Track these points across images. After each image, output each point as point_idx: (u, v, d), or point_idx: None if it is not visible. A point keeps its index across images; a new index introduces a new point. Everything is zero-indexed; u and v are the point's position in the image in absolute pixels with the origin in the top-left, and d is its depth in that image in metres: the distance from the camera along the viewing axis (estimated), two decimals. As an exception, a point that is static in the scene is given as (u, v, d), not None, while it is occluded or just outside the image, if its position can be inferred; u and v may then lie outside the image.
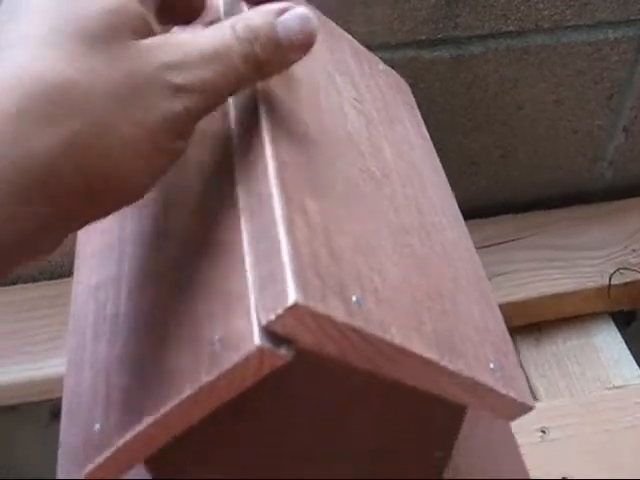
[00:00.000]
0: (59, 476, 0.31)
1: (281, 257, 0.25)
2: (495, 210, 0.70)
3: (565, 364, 0.66)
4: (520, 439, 0.53)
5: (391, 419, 0.33)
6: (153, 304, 0.31)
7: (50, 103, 0.23)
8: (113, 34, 0.25)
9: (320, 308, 0.24)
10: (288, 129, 0.31)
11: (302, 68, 0.36)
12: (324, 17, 0.46)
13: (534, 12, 0.59)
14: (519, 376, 0.34)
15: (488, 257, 0.66)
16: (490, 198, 0.70)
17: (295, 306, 0.23)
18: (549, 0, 0.59)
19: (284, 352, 0.24)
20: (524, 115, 0.66)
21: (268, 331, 0.24)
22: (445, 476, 0.50)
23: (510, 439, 0.53)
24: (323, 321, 0.24)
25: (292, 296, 0.23)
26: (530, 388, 0.64)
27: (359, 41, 0.48)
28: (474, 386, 0.30)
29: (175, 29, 0.34)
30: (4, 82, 0.23)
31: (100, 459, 0.29)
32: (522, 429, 0.56)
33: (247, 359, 0.24)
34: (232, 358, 0.25)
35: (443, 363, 0.28)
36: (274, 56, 0.28)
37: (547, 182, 0.73)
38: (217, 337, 0.26)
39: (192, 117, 0.27)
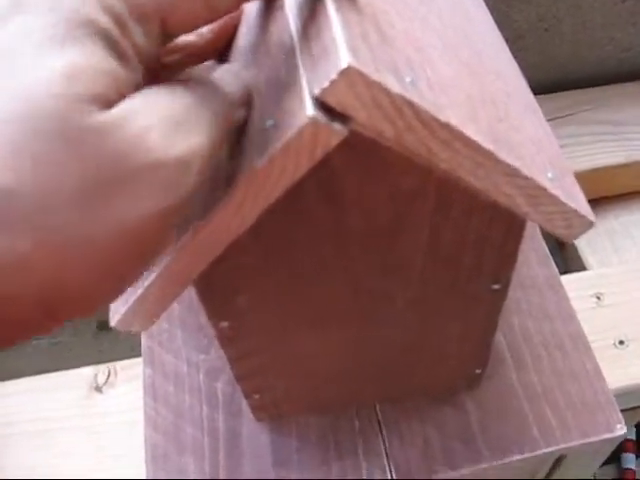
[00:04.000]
0: (111, 314, 0.31)
1: (332, 31, 0.24)
2: (543, 88, 0.68)
3: (617, 239, 0.64)
4: (575, 305, 0.52)
5: (446, 234, 0.32)
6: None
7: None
8: (65, 114, 0.18)
9: (374, 76, 0.23)
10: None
11: None
12: None
13: None
14: (578, 192, 0.33)
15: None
16: (537, 75, 0.68)
17: (348, 70, 0.22)
18: None
19: (338, 127, 0.24)
20: (570, -19, 0.63)
21: (321, 103, 0.23)
22: (500, 331, 0.50)
23: (565, 303, 0.52)
24: (377, 91, 0.23)
25: (345, 61, 0.22)
26: (582, 261, 0.63)
27: None
28: (533, 189, 0.29)
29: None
30: None
31: (151, 279, 0.29)
32: (577, 295, 0.56)
33: (300, 134, 0.23)
34: (284, 135, 0.24)
35: (501, 156, 0.27)
36: None
37: (595, 58, 0.71)
38: (270, 122, 0.25)
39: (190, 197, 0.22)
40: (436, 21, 0.33)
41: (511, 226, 0.33)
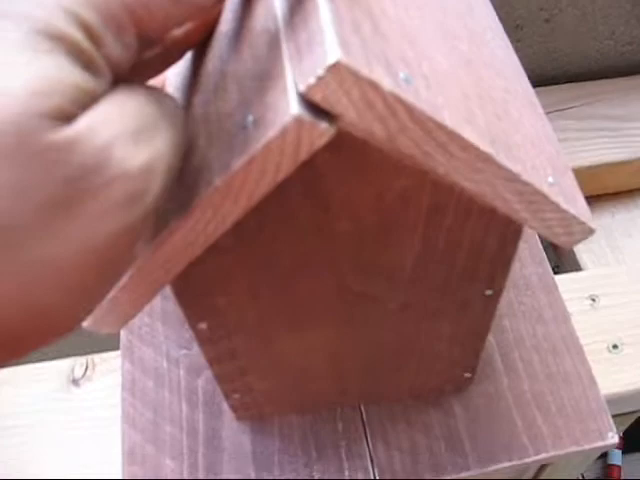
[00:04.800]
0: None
1: (320, 19, 0.22)
2: (542, 81, 0.66)
3: (614, 237, 0.63)
4: (569, 307, 0.51)
5: (439, 238, 0.31)
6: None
7: None
8: (27, 132, 0.17)
9: (365, 71, 0.21)
10: None
11: None
12: None
13: None
14: (579, 196, 0.31)
15: (533, 128, 0.63)
16: (536, 68, 0.66)
17: (337, 65, 0.20)
18: None
19: (325, 126, 0.22)
20: (573, -30, 0.61)
21: (307, 100, 0.21)
22: (491, 333, 0.49)
23: (559, 304, 0.51)
24: (368, 88, 0.21)
25: (333, 54, 0.20)
26: (577, 260, 0.62)
27: None
28: (532, 195, 0.27)
29: None
30: None
31: (124, 280, 0.27)
32: (571, 297, 0.54)
33: (283, 133, 0.21)
34: (265, 134, 0.22)
35: (499, 159, 0.25)
36: None
37: (596, 52, 0.69)
38: (250, 119, 0.23)
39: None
40: (436, 9, 0.31)
41: (507, 231, 0.31)
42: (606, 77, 0.68)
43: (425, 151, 0.24)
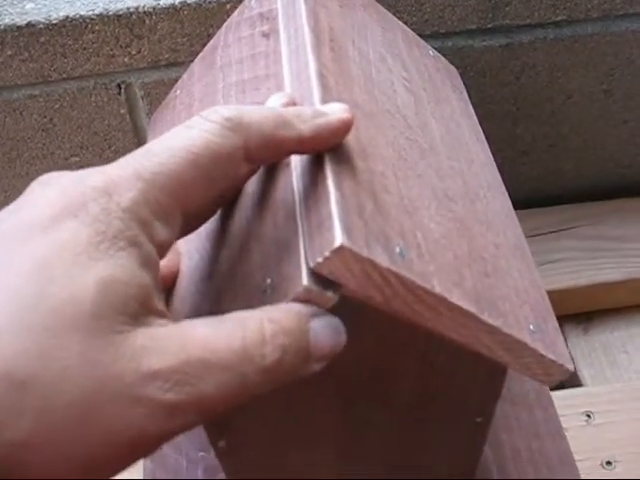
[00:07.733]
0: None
1: (329, 207, 0.26)
2: (545, 201, 0.70)
3: (613, 353, 0.66)
4: (565, 423, 0.54)
5: (432, 377, 0.35)
6: (210, 261, 0.33)
7: (9, 397, 0.20)
8: (97, 324, 0.21)
9: (364, 252, 0.25)
10: (339, 98, 0.32)
11: (355, 46, 0.38)
12: (377, 4, 0.47)
13: (584, 1, 0.60)
14: (559, 340, 0.35)
15: (537, 245, 0.67)
16: (540, 188, 0.71)
17: (341, 249, 0.25)
18: (599, -11, 0.59)
19: (330, 295, 0.26)
20: (573, 104, 0.67)
21: (316, 274, 0.26)
22: (488, 447, 0.51)
23: (555, 420, 0.54)
24: (367, 265, 0.26)
25: (338, 240, 0.25)
26: (577, 375, 0.65)
27: (410, 29, 0.50)
28: (513, 344, 0.31)
29: None
30: None
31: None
32: (567, 412, 0.57)
33: (295, 300, 0.26)
34: (280, 300, 0.26)
35: (482, 317, 0.30)
36: (298, 366, 0.26)
37: (597, 173, 0.73)
38: (268, 282, 0.28)
39: (170, 437, 0.23)
40: (433, 175, 0.35)
41: (494, 370, 0.35)
42: (606, 197, 0.73)
43: (415, 311, 0.28)
